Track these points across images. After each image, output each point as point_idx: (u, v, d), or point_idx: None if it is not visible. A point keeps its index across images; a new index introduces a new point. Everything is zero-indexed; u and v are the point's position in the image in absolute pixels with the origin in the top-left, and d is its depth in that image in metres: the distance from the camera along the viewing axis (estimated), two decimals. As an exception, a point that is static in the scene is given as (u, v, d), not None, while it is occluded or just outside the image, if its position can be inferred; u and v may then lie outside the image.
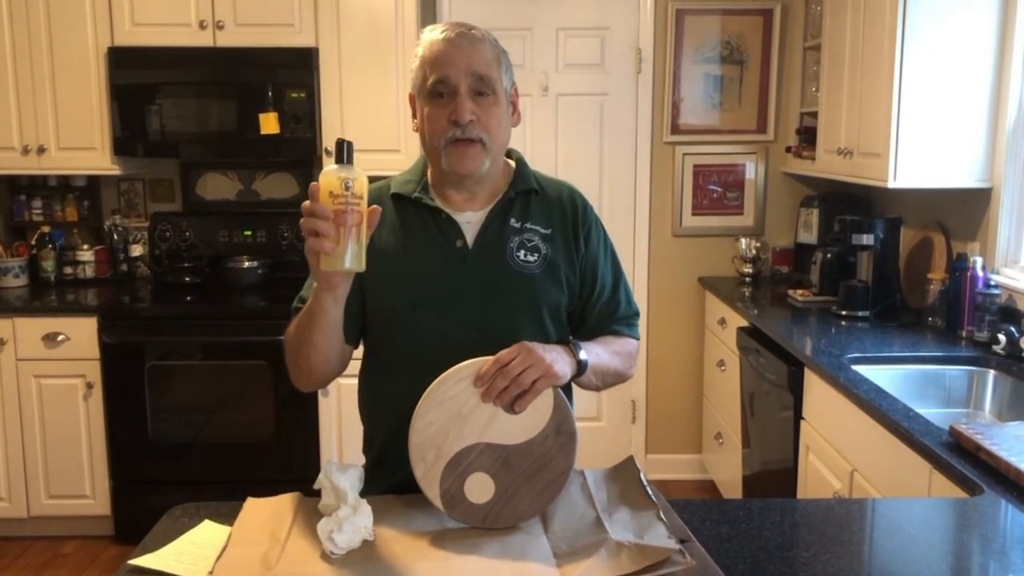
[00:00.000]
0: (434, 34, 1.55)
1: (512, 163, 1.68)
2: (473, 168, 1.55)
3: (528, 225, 1.61)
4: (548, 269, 1.60)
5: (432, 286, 1.58)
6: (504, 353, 1.39)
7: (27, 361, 3.50)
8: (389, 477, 1.58)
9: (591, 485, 1.47)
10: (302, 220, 1.32)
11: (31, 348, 3.49)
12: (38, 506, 3.59)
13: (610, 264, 1.71)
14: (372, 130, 3.67)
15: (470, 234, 1.60)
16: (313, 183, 1.32)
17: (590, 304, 1.67)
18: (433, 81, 1.53)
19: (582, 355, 1.51)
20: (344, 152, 1.33)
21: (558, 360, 1.43)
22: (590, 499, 1.43)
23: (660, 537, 1.28)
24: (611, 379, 1.65)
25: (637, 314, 1.75)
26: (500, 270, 1.58)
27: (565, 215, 1.65)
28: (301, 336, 1.51)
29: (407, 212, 1.62)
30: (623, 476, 1.50)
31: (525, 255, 1.59)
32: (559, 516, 1.39)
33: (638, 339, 1.75)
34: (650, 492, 1.42)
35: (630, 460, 1.54)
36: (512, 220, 1.61)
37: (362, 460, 1.70)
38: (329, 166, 1.33)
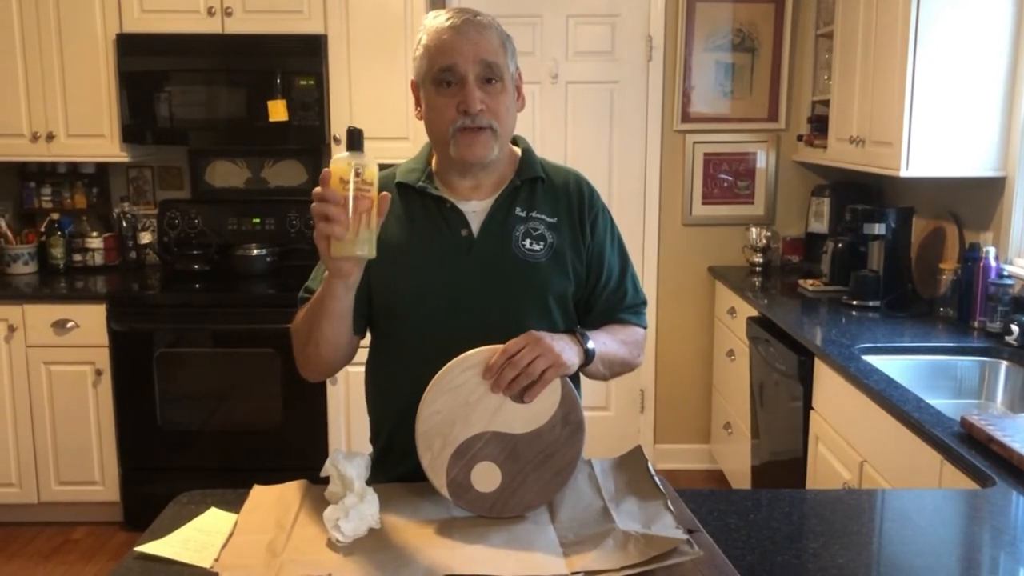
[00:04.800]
0: (438, 21, 1.52)
1: (518, 151, 1.67)
2: (483, 155, 1.54)
3: (534, 214, 1.60)
4: (554, 258, 1.59)
5: (437, 275, 1.57)
6: (512, 343, 1.37)
7: (36, 348, 3.51)
8: (396, 467, 1.57)
9: (598, 475, 1.47)
10: (313, 205, 1.31)
11: (40, 335, 3.50)
12: (48, 492, 3.60)
13: (617, 252, 1.69)
14: (381, 117, 3.65)
15: (475, 223, 1.58)
16: (325, 169, 1.32)
17: (596, 292, 1.66)
18: (440, 69, 1.51)
19: (590, 344, 1.50)
20: (355, 140, 1.32)
21: (566, 349, 1.42)
22: (597, 489, 1.42)
23: (668, 527, 1.27)
24: (619, 368, 1.64)
25: (644, 302, 1.73)
26: (505, 259, 1.57)
27: (571, 203, 1.64)
28: (311, 325, 1.50)
29: (412, 201, 1.61)
30: (631, 466, 1.49)
31: (531, 244, 1.58)
32: (566, 505, 1.38)
33: (646, 327, 1.73)
34: (658, 482, 1.41)
35: (638, 450, 1.53)
36: (518, 209, 1.60)
37: (369, 449, 1.70)
38: (340, 153, 1.33)
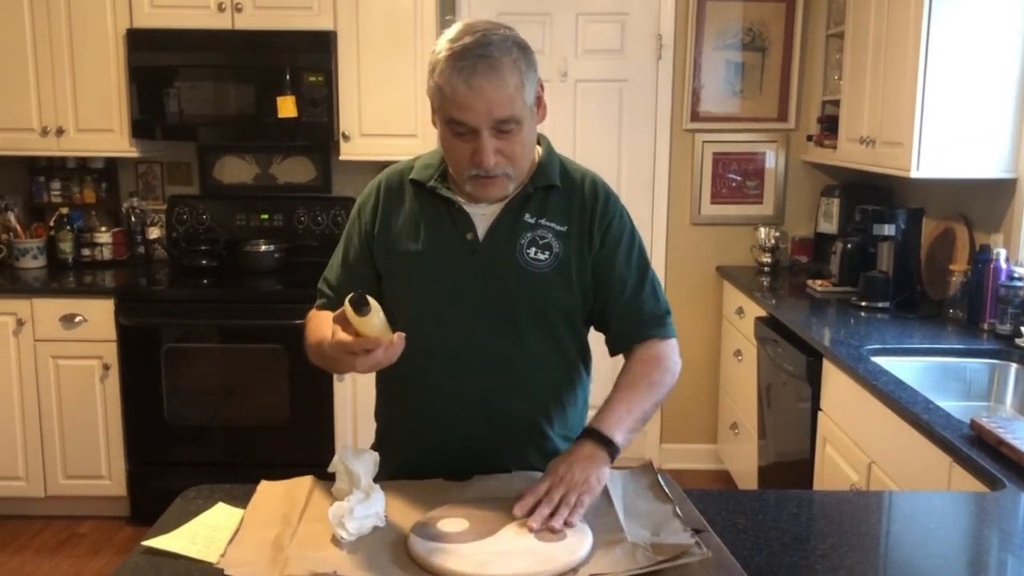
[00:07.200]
0: (452, 62, 1.41)
1: (538, 153, 1.61)
2: (499, 196, 1.53)
3: (543, 221, 1.55)
4: (559, 269, 1.54)
5: (441, 277, 1.55)
6: (538, 486, 1.34)
7: (45, 342, 3.52)
8: (397, 454, 1.60)
9: (607, 481, 1.45)
10: (361, 361, 1.30)
11: (49, 329, 3.51)
12: (55, 486, 3.62)
13: (634, 261, 1.61)
14: (389, 115, 3.66)
15: (481, 227, 1.55)
16: (354, 339, 1.30)
17: (609, 305, 1.59)
18: (451, 121, 1.44)
19: (615, 442, 1.44)
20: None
21: (592, 470, 1.37)
22: (605, 493, 1.41)
23: (676, 532, 1.26)
24: (652, 413, 1.58)
25: (668, 312, 1.63)
26: (508, 266, 1.53)
27: (584, 210, 1.58)
28: (324, 363, 1.49)
29: (423, 200, 1.59)
30: (640, 476, 1.48)
31: (536, 253, 1.54)
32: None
33: (673, 336, 1.63)
34: (667, 492, 1.40)
35: (648, 465, 1.52)
36: (527, 215, 1.56)
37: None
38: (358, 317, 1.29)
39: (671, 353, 1.61)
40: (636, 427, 1.51)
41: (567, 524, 1.29)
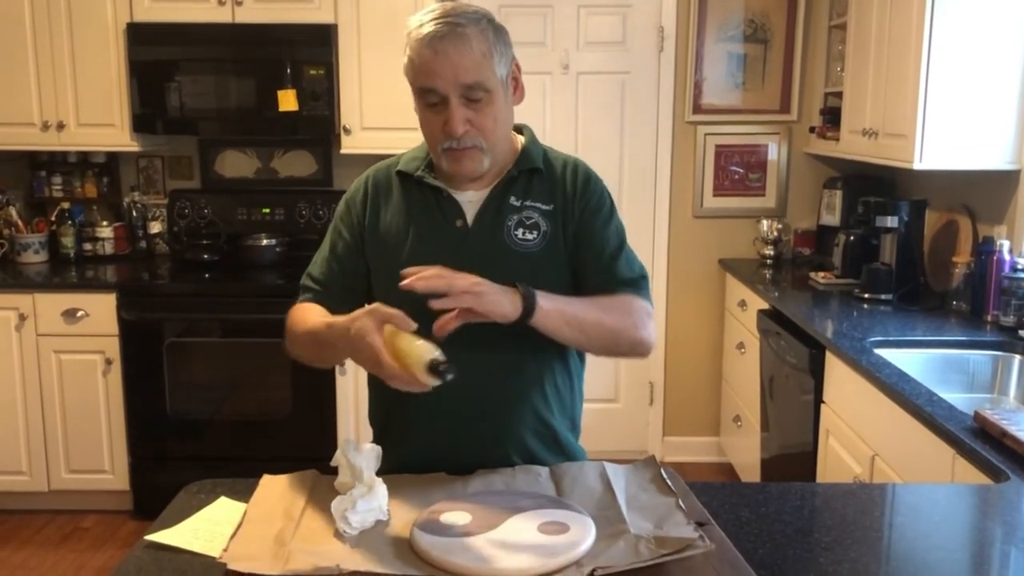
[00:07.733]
0: (420, 31, 1.46)
1: (520, 141, 1.64)
2: (473, 169, 1.54)
3: (528, 202, 1.58)
4: (548, 247, 1.57)
5: (432, 265, 1.54)
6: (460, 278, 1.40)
7: (47, 336, 3.53)
8: (394, 448, 1.58)
9: (610, 474, 1.45)
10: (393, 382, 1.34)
11: (51, 324, 3.51)
12: (58, 480, 3.62)
13: (612, 232, 1.62)
14: (390, 107, 3.64)
15: (470, 213, 1.58)
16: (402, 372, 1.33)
17: (587, 267, 1.60)
18: (421, 89, 1.49)
19: (537, 299, 1.44)
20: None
21: (502, 301, 1.41)
22: (608, 487, 1.41)
23: (679, 525, 1.26)
24: (596, 332, 1.54)
25: (643, 276, 1.63)
26: (498, 249, 1.56)
27: (566, 189, 1.61)
28: (314, 351, 1.55)
29: (411, 191, 1.62)
30: (643, 470, 1.48)
31: (524, 233, 1.56)
32: (575, 502, 1.37)
33: (647, 300, 1.61)
34: (670, 484, 1.40)
35: (651, 459, 1.51)
36: (512, 198, 1.59)
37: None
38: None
39: (641, 311, 1.58)
40: (568, 319, 1.49)
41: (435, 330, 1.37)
